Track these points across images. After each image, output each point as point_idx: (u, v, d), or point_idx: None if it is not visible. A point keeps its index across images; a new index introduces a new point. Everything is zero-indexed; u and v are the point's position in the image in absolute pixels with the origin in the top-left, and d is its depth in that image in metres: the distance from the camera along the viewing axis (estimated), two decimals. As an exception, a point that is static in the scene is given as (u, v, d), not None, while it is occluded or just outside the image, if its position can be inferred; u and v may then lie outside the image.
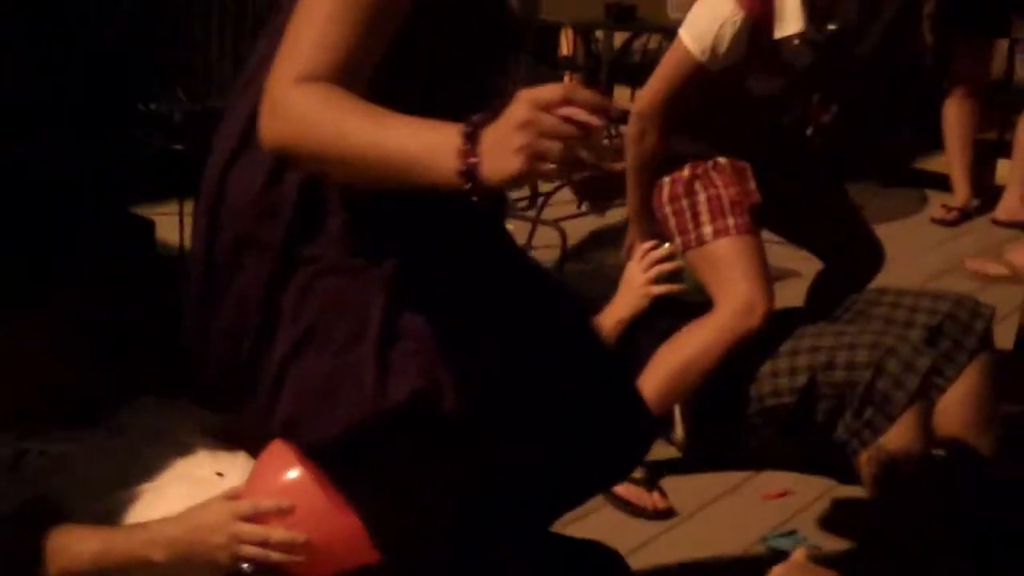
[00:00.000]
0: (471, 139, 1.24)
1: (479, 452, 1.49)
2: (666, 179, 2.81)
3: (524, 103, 1.22)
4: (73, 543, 1.82)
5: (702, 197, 2.75)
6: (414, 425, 1.46)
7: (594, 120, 1.21)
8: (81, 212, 2.75)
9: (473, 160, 1.24)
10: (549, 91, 1.22)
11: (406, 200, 1.43)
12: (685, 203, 2.77)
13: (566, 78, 5.23)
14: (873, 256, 3.05)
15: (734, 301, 2.69)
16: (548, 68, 5.09)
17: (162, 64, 3.74)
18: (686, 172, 2.78)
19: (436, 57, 1.48)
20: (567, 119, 1.21)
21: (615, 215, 4.46)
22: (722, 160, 2.77)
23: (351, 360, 1.47)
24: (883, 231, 4.64)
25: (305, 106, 1.33)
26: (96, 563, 1.81)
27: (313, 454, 1.63)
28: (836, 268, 3.07)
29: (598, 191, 2.01)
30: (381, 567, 1.64)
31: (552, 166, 1.22)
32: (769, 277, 2.75)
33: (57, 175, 2.82)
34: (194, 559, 1.76)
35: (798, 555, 1.51)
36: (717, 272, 2.73)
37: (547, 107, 1.21)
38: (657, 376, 2.67)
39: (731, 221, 2.72)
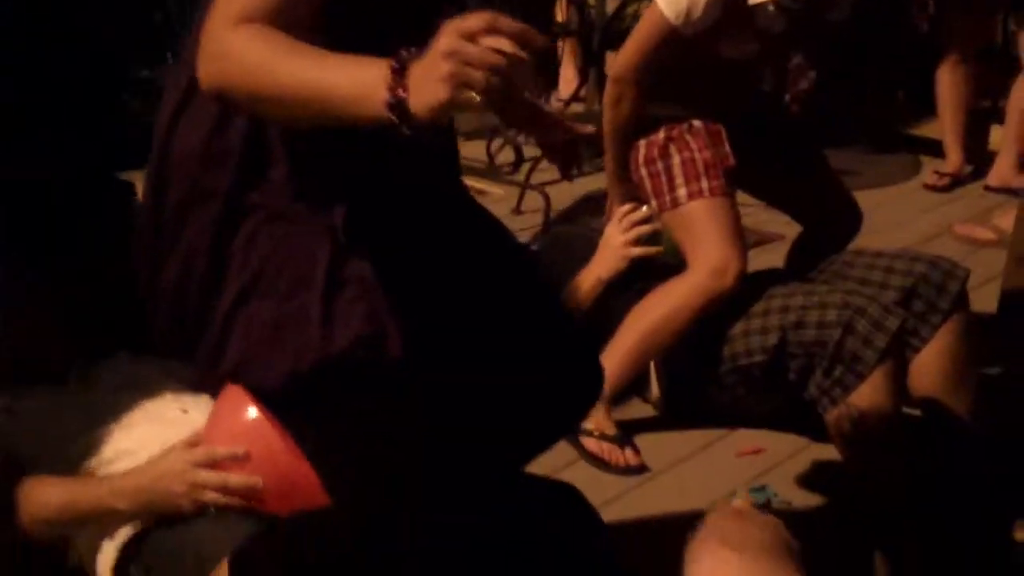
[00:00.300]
0: (399, 72, 1.26)
1: (426, 398, 1.53)
2: (641, 142, 2.84)
3: (449, 33, 1.24)
4: (41, 494, 1.88)
5: (676, 160, 2.78)
6: (360, 371, 1.50)
7: (519, 51, 1.23)
8: (65, 177, 2.78)
9: (401, 92, 1.26)
10: (474, 20, 1.24)
11: (352, 147, 1.46)
12: (660, 166, 2.80)
13: (560, 44, 5.27)
14: (851, 220, 3.08)
15: (707, 262, 2.73)
16: (544, 34, 5.10)
17: (152, 29, 3.76)
18: (661, 135, 2.81)
19: (376, 5, 1.51)
20: (492, 49, 1.23)
21: (599, 180, 4.50)
22: (696, 123, 2.80)
23: (296, 306, 1.51)
24: (875, 196, 4.71)
25: (239, 46, 1.36)
26: (62, 512, 1.87)
27: (263, 400, 1.68)
28: (815, 231, 3.10)
29: (568, 156, 2.05)
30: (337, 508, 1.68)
31: (477, 96, 1.24)
32: (742, 239, 2.79)
33: (44, 140, 2.86)
34: (157, 507, 1.81)
35: (738, 502, 1.53)
36: (691, 234, 2.77)
37: (472, 36, 1.23)
38: (631, 335, 2.72)
39: (705, 184, 2.75)
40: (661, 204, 2.80)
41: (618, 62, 2.83)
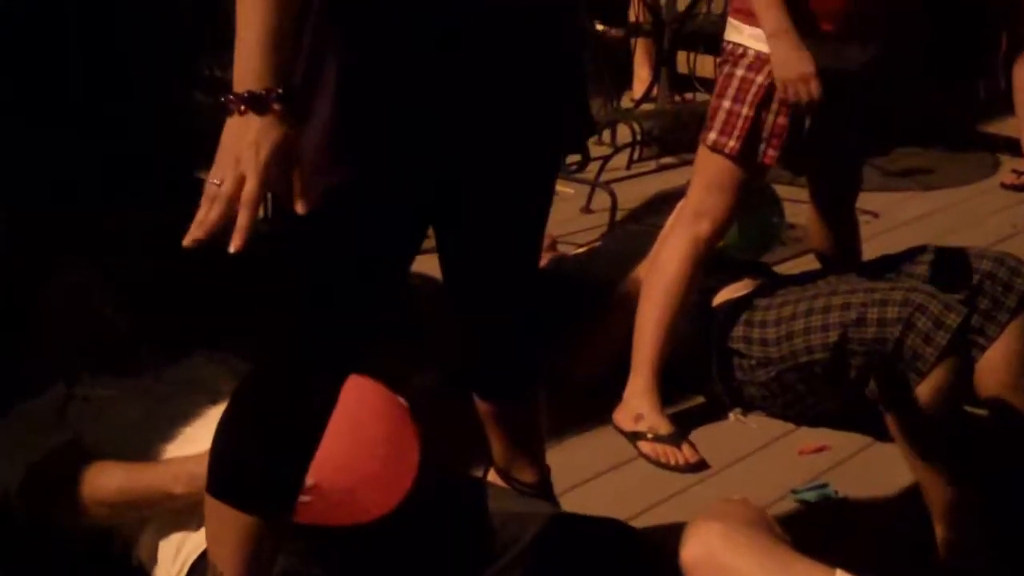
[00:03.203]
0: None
1: None
2: (739, 72, 2.73)
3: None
4: (101, 475, 1.93)
5: (763, 116, 2.70)
6: None
7: None
8: (136, 171, 2.85)
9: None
10: None
11: None
12: (746, 112, 2.71)
13: (633, 43, 5.28)
14: (857, 182, 3.14)
15: (692, 206, 2.81)
16: (616, 32, 5.14)
17: (227, 28, 3.83)
18: (760, 78, 2.69)
19: None
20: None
21: (666, 179, 4.52)
22: None
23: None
24: (952, 195, 4.68)
25: None
26: (121, 493, 1.92)
27: None
28: (824, 194, 3.11)
29: None
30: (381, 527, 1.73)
31: None
32: (737, 198, 2.79)
33: (116, 136, 2.93)
34: None
35: (736, 497, 1.58)
36: (706, 177, 2.79)
37: None
38: (648, 306, 2.80)
39: (762, 148, 2.72)
40: (718, 142, 2.73)
41: None
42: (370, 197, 1.60)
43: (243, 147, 1.45)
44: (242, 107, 1.45)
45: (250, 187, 1.45)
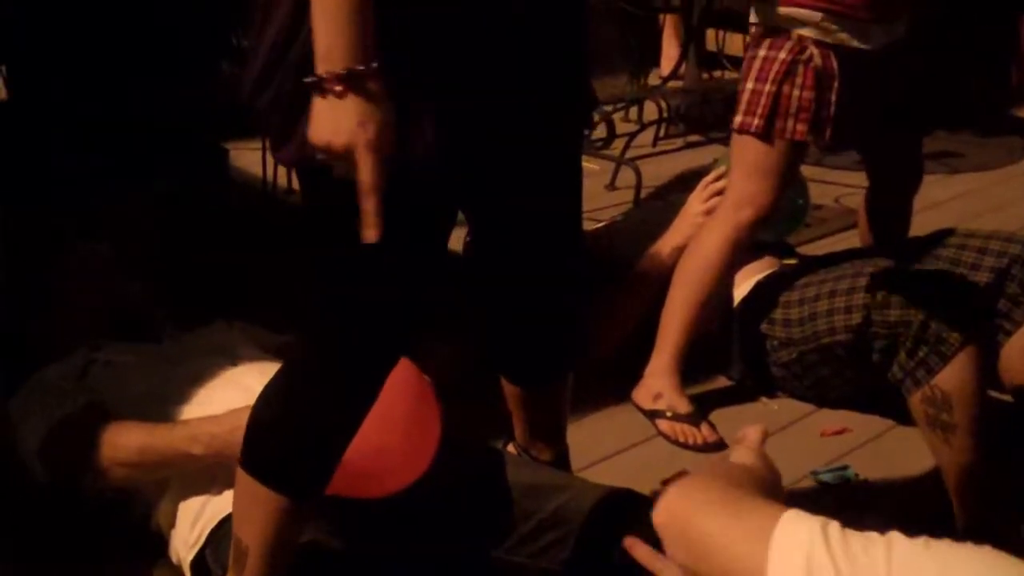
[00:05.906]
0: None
1: None
2: (761, 52, 2.72)
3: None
4: (120, 436, 1.94)
5: (784, 90, 2.68)
6: None
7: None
8: (159, 140, 2.86)
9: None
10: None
11: None
12: (768, 88, 2.69)
13: (661, 20, 5.25)
14: (915, 176, 3.10)
15: (731, 194, 2.77)
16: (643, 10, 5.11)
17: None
18: (783, 55, 2.69)
19: None
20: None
21: (693, 157, 4.50)
22: (817, 59, 2.68)
23: None
24: (979, 179, 4.64)
25: None
26: (141, 453, 1.93)
27: None
28: (882, 182, 3.09)
29: None
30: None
31: None
32: (780, 180, 2.75)
33: (143, 104, 2.94)
34: (228, 458, 1.85)
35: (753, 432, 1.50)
36: (744, 163, 2.76)
37: None
38: (677, 290, 2.76)
39: (789, 124, 2.69)
40: (744, 123, 2.72)
41: None
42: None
43: (351, 129, 1.37)
44: (338, 87, 1.37)
45: (368, 171, 1.39)
